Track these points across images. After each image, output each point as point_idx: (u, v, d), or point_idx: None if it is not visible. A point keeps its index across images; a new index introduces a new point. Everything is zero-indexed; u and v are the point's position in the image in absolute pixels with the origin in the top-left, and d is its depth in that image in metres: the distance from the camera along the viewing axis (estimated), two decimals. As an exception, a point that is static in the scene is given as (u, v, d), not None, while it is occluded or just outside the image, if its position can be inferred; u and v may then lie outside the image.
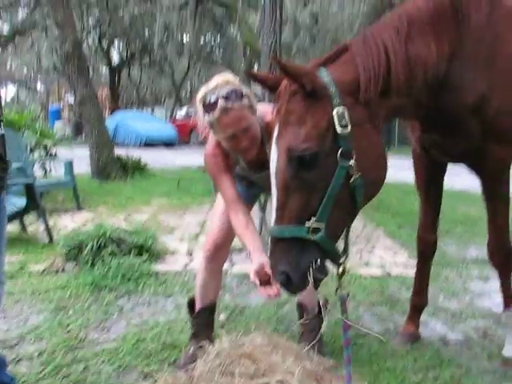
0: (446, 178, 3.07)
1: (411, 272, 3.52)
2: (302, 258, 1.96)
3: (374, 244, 5.67)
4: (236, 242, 5.71)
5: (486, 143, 2.52)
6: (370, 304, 3.90)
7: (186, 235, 5.95)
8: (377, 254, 5.28)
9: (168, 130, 23.09)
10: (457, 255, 5.17)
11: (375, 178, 2.07)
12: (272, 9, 8.47)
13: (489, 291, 4.12)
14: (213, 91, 2.51)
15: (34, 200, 5.33)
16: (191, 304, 3.08)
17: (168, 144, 22.30)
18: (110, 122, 20.85)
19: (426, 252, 3.22)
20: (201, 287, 3.01)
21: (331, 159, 1.94)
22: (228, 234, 2.94)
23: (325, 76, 1.99)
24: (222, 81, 2.57)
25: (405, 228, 6.23)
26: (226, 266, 4.58)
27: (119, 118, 22.98)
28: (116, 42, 30.72)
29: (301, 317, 3.06)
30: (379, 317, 3.68)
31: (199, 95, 2.59)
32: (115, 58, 33.36)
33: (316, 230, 1.93)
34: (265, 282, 2.39)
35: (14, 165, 5.24)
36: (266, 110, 2.65)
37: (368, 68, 2.05)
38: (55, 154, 8.19)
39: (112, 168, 9.98)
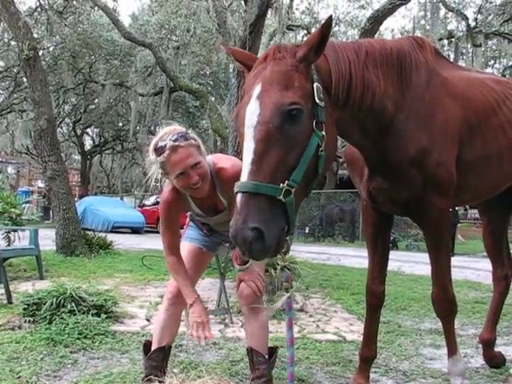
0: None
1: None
2: (275, 217, 2.06)
3: (332, 316, 5.76)
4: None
5: (425, 192, 2.76)
6: (324, 364, 3.95)
7: (145, 304, 5.95)
8: (333, 324, 5.35)
9: (136, 216, 23.12)
10: (411, 327, 5.28)
11: (332, 154, 2.32)
12: (238, 94, 8.66)
13: (440, 355, 4.20)
14: (162, 138, 2.78)
15: (-5, 259, 5.34)
16: (147, 347, 3.12)
17: (135, 230, 22.35)
18: (79, 206, 20.82)
19: (374, 302, 3.34)
20: (159, 328, 3.08)
21: (309, 124, 2.17)
22: (191, 279, 3.06)
23: None
24: (169, 129, 2.85)
25: (363, 304, 6.30)
26: (184, 328, 4.63)
27: (87, 202, 23.03)
28: (89, 128, 31.36)
29: (251, 362, 3.11)
30: (332, 374, 3.73)
31: (151, 145, 2.84)
32: (88, 144, 33.91)
33: (287, 193, 2.08)
34: (197, 323, 2.80)
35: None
36: (217, 157, 3.01)
37: (339, 69, 2.39)
38: (21, 223, 8.19)
39: (77, 244, 9.99)
